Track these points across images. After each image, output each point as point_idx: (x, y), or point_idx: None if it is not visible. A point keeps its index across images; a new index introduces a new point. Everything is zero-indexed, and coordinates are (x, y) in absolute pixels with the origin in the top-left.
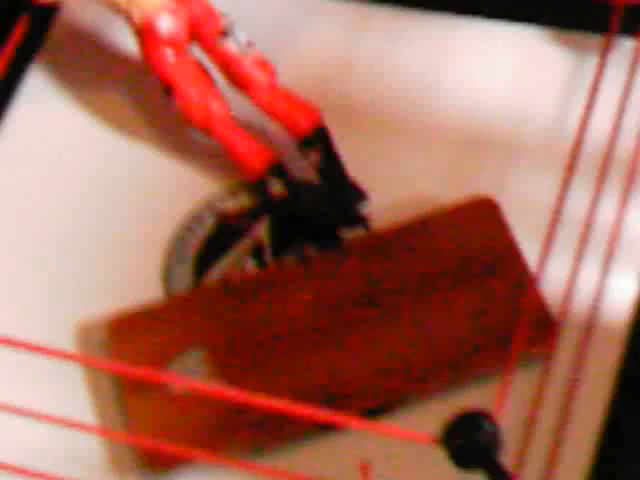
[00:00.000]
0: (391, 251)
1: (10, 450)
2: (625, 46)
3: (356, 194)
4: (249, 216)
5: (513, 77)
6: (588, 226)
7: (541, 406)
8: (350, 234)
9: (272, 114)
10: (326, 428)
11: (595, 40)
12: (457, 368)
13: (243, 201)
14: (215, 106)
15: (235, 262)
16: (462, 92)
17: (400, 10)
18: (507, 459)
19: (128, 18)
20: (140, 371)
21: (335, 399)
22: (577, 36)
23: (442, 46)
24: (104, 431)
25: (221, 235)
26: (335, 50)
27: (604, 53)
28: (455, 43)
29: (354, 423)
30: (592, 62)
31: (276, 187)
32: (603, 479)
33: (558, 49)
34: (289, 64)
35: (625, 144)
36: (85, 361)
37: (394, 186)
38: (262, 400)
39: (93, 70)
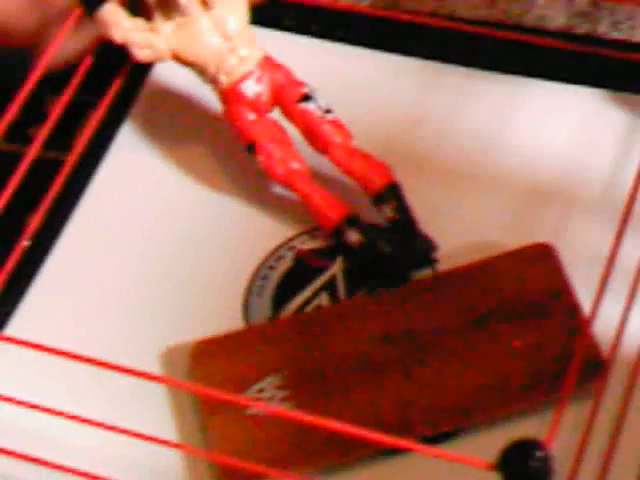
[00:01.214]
0: (452, 289)
1: (96, 461)
2: None
3: (427, 242)
4: (325, 256)
5: (573, 134)
6: None
7: (591, 437)
8: (417, 274)
9: (348, 172)
10: (391, 452)
11: None
12: (510, 401)
13: (320, 243)
14: (295, 163)
15: (311, 297)
16: (525, 147)
17: (469, 70)
18: None
19: (215, 82)
20: (220, 394)
21: (399, 425)
22: (632, 97)
23: (507, 104)
24: (184, 448)
25: (299, 272)
26: (407, 107)
27: None
28: (519, 101)
29: (417, 448)
30: None
31: (352, 236)
32: None
33: (615, 108)
34: (363, 120)
35: None
36: (169, 382)
37: (460, 233)
38: (331, 423)
39: (182, 129)
